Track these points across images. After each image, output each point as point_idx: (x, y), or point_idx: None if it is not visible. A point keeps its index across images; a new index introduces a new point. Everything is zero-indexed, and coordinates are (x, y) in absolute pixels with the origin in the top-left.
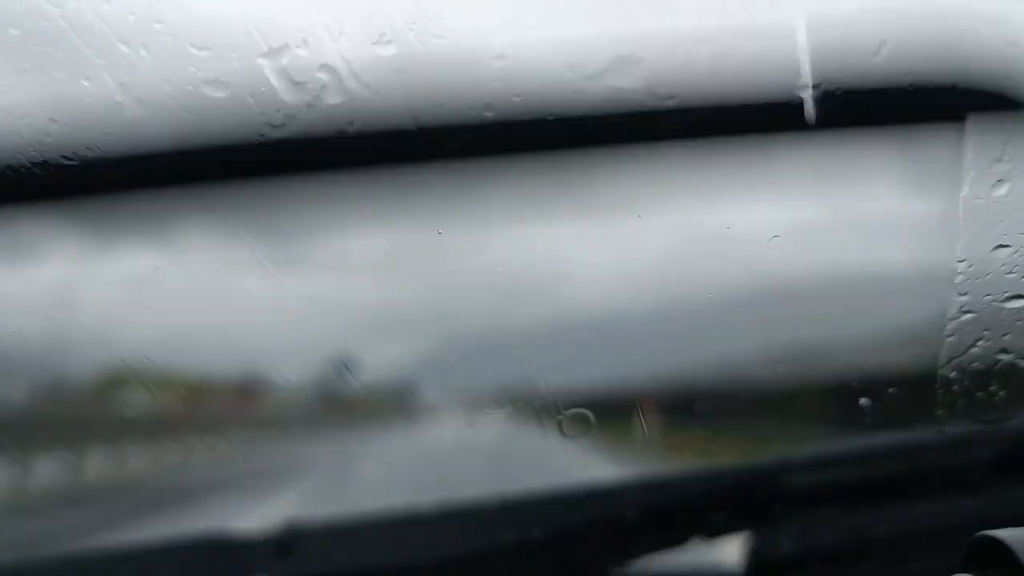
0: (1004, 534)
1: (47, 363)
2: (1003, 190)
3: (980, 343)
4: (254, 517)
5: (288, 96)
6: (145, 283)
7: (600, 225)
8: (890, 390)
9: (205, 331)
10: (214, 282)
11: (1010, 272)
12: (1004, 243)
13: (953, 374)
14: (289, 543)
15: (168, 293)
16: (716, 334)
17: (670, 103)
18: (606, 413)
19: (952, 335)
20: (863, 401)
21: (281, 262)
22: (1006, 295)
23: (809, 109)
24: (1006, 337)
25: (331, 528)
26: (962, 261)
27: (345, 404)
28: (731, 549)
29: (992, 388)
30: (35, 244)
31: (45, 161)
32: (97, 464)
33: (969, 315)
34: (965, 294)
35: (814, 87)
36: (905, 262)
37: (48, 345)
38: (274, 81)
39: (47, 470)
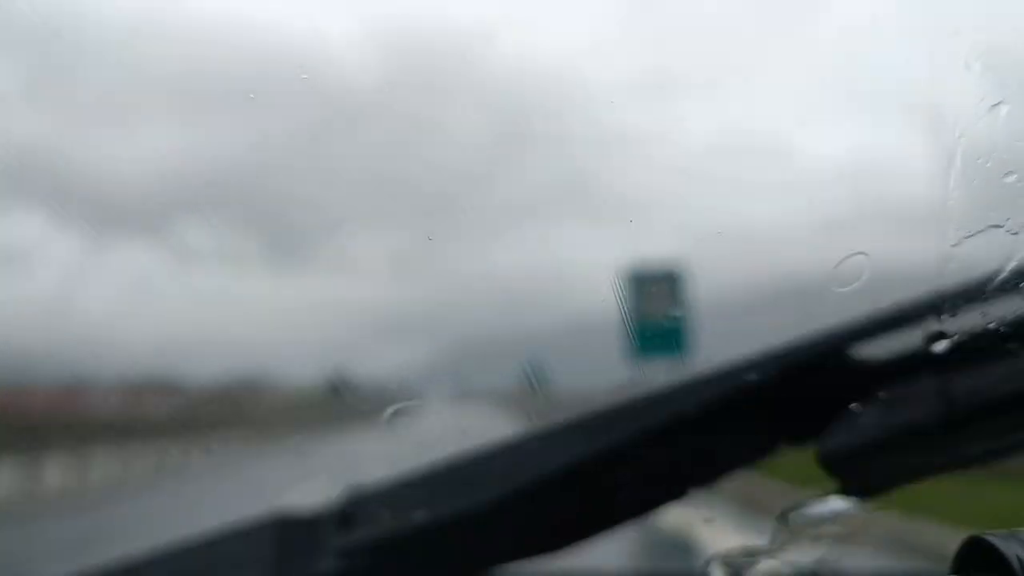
0: (995, 537)
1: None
2: None
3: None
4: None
5: None
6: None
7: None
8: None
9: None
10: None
11: None
12: None
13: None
14: (351, 512)
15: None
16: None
17: None
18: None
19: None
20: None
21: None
22: None
23: None
24: None
25: (386, 491)
26: None
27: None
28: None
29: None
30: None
31: None
32: (138, 460)
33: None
34: None
35: None
36: None
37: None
38: None
39: (96, 469)
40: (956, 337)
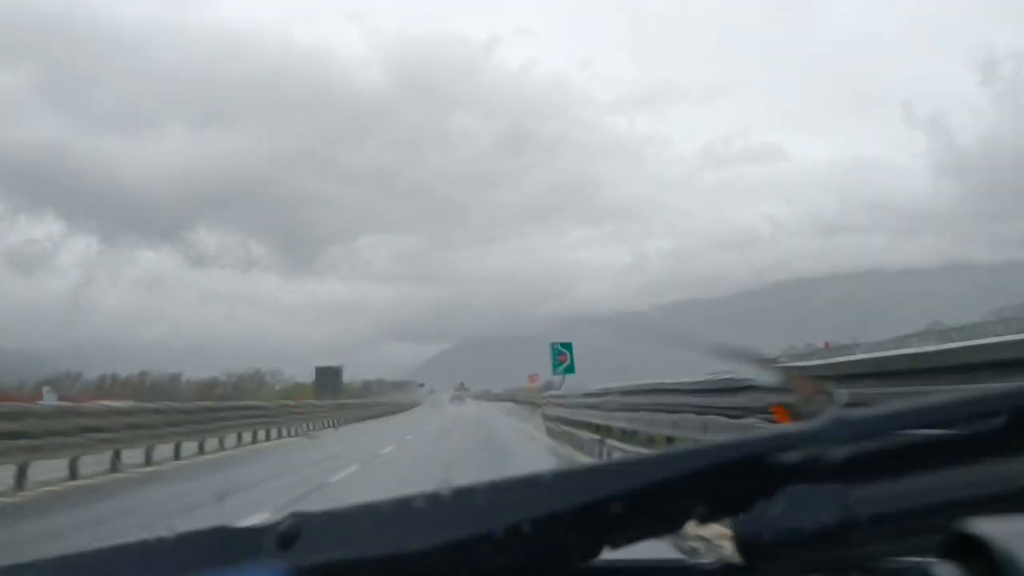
0: (978, 525)
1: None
2: None
3: None
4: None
5: None
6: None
7: None
8: None
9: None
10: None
11: None
12: None
13: None
14: (293, 534)
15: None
16: None
17: None
18: None
19: None
20: None
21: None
22: None
23: None
24: None
25: (332, 520)
26: None
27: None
28: (718, 531)
29: None
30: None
31: None
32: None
33: None
34: None
35: None
36: None
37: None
38: None
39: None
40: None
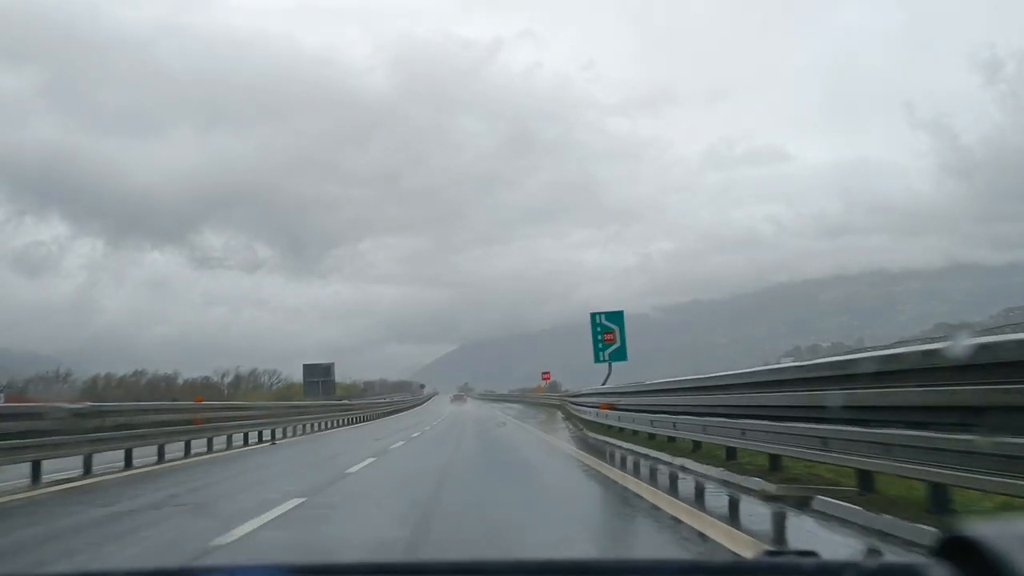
0: (972, 528)
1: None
2: None
3: None
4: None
5: None
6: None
7: None
8: None
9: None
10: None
11: None
12: None
13: None
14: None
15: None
16: None
17: None
18: None
19: None
20: None
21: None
22: None
23: None
24: None
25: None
26: None
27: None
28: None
29: None
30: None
31: None
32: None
33: None
34: None
35: None
36: None
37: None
38: None
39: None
40: None
